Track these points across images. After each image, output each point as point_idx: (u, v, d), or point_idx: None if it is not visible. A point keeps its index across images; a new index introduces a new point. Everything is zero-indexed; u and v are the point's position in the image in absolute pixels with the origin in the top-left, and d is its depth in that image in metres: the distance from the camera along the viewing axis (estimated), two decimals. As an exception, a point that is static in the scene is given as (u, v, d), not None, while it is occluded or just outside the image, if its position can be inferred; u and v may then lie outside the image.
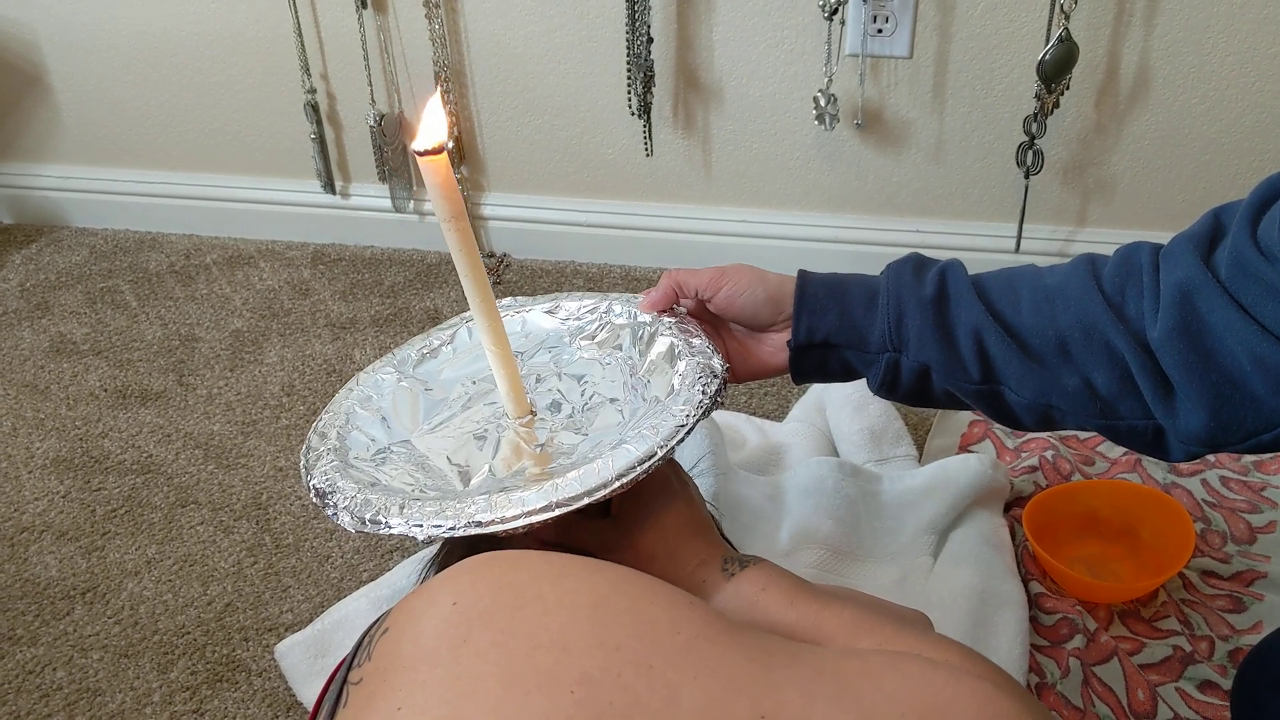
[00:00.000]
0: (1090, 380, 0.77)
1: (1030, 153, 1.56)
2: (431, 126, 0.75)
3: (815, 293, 0.85)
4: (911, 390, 0.84)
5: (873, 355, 0.84)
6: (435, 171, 0.75)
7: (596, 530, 0.79)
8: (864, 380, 0.87)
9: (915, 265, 0.84)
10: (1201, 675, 1.05)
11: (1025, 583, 1.14)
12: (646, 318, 0.90)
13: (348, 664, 0.62)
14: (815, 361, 0.87)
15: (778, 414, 1.46)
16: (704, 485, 1.22)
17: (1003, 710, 0.55)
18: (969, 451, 1.34)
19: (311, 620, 1.18)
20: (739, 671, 0.56)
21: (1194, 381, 0.71)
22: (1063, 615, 1.10)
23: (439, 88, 0.78)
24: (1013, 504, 1.26)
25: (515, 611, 0.57)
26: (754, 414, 1.47)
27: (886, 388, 0.85)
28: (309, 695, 1.09)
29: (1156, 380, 0.73)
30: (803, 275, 0.86)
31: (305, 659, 1.12)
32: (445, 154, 0.74)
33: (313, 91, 1.80)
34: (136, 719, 1.10)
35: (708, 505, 0.92)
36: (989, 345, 0.79)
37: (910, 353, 0.82)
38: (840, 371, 0.87)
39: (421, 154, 0.74)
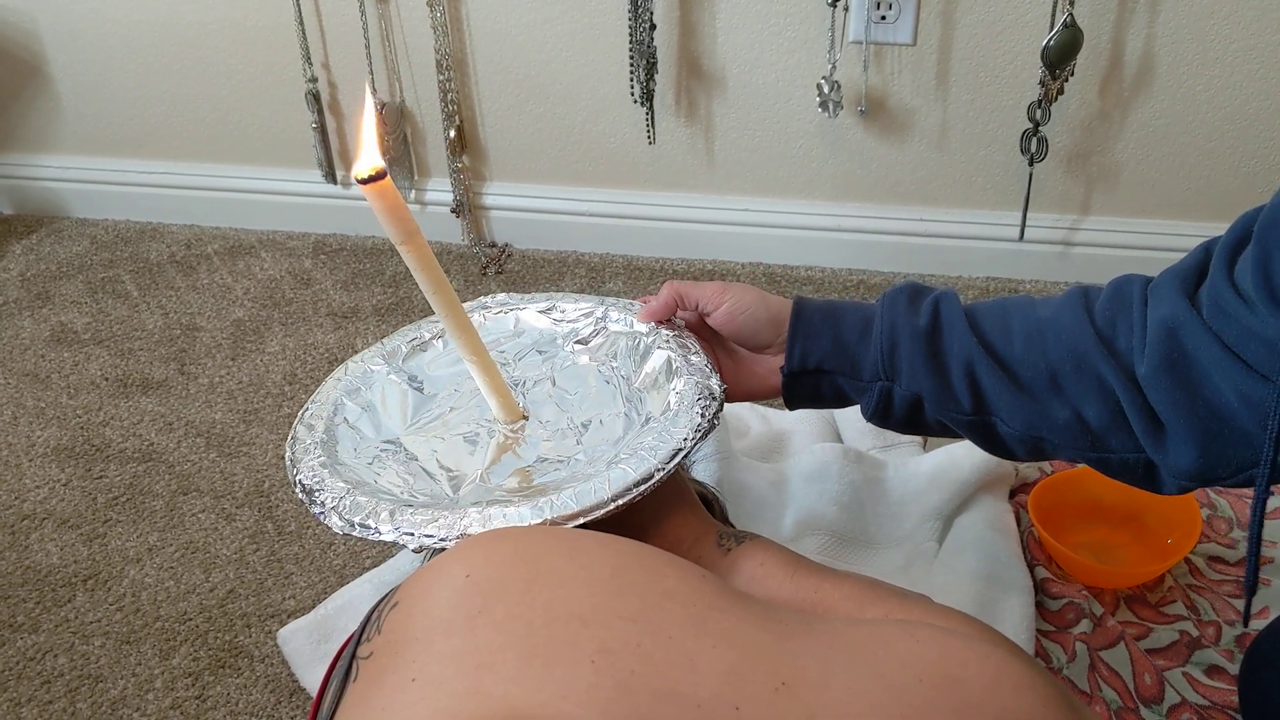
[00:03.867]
0: (1081, 413, 0.76)
1: (1034, 140, 1.56)
2: (368, 149, 0.72)
3: (810, 319, 0.85)
4: (904, 419, 0.85)
5: (866, 383, 0.84)
6: (381, 197, 0.72)
7: None
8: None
9: (910, 294, 0.84)
10: (1208, 660, 1.05)
11: (1031, 568, 1.14)
12: (644, 328, 0.89)
13: (356, 639, 0.62)
14: (808, 387, 0.86)
15: (781, 402, 1.45)
16: (708, 470, 1.22)
17: (1016, 676, 0.55)
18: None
19: (315, 606, 1.17)
20: (755, 641, 0.55)
21: (1182, 417, 0.71)
22: (1069, 600, 1.10)
23: (371, 98, 0.76)
24: (1018, 490, 1.25)
25: (530, 584, 0.57)
26: (757, 402, 1.46)
27: (879, 416, 0.85)
28: (312, 680, 1.09)
29: (1146, 415, 0.73)
30: (799, 301, 0.86)
31: (308, 644, 1.12)
32: (388, 178, 0.72)
33: (314, 80, 1.79)
34: (139, 705, 1.09)
35: (711, 489, 0.92)
36: (980, 377, 0.79)
37: (903, 382, 0.82)
38: (833, 398, 0.87)
39: (364, 182, 0.71)
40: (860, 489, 1.22)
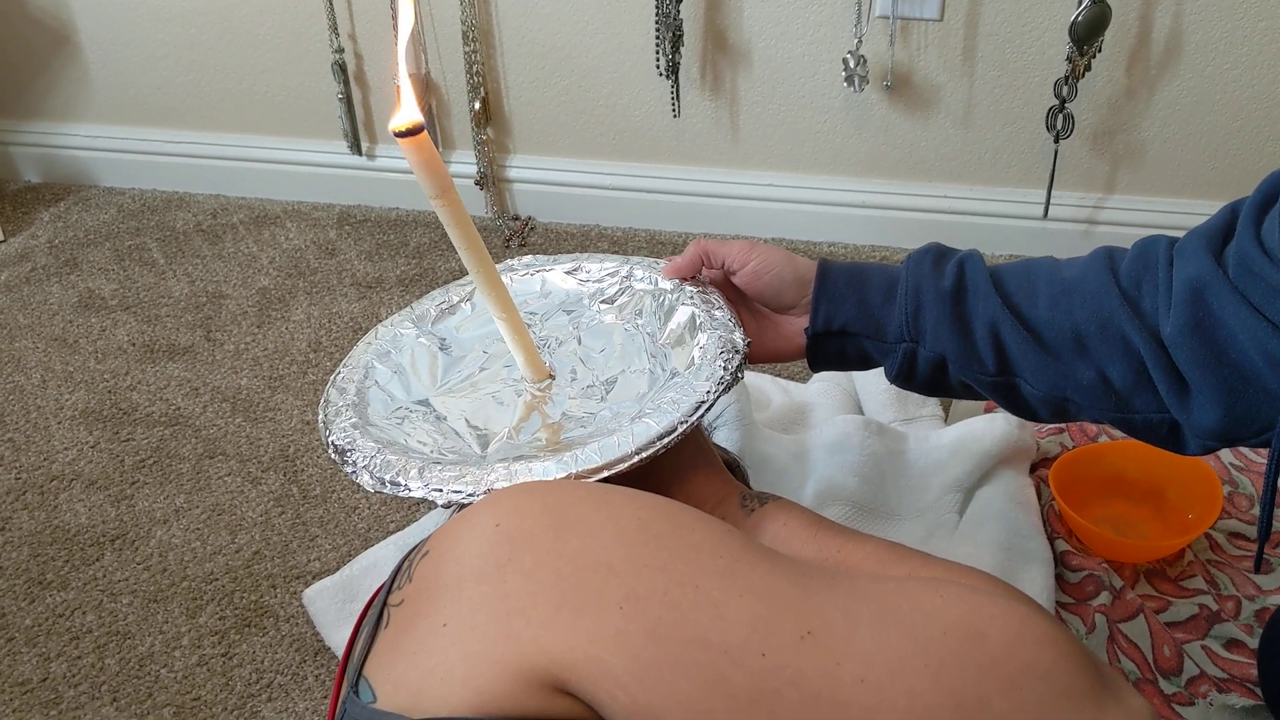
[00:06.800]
0: (1105, 374, 0.77)
1: (1060, 117, 1.55)
2: (406, 104, 0.73)
3: (835, 281, 0.85)
4: (928, 380, 0.85)
5: (890, 345, 0.84)
6: (418, 150, 0.73)
7: None
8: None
9: (935, 256, 0.85)
10: (1228, 634, 1.05)
11: (1051, 541, 1.14)
12: (668, 285, 0.90)
13: (387, 588, 0.63)
14: (833, 349, 0.87)
15: (802, 375, 1.46)
16: (730, 438, 1.23)
17: (1039, 631, 0.56)
18: (995, 412, 1.34)
19: (339, 568, 1.18)
20: (782, 592, 0.56)
21: (1207, 377, 0.71)
22: (1089, 573, 1.10)
23: (406, 56, 0.77)
24: (1038, 465, 1.26)
25: (560, 533, 0.58)
26: (778, 375, 1.47)
27: (903, 377, 0.86)
28: (337, 639, 1.10)
29: (1171, 375, 0.73)
30: (823, 263, 0.86)
31: (334, 604, 1.13)
32: (424, 132, 0.73)
33: (340, 51, 1.80)
34: (166, 662, 1.11)
35: (734, 456, 0.93)
36: (1005, 338, 0.80)
37: (927, 344, 0.83)
38: (857, 360, 0.88)
39: (401, 135, 0.72)
40: (881, 460, 1.23)
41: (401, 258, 1.79)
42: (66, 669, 1.11)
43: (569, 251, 1.79)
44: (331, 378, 0.87)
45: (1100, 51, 1.50)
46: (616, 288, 0.93)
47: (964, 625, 0.55)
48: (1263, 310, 0.67)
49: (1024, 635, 0.56)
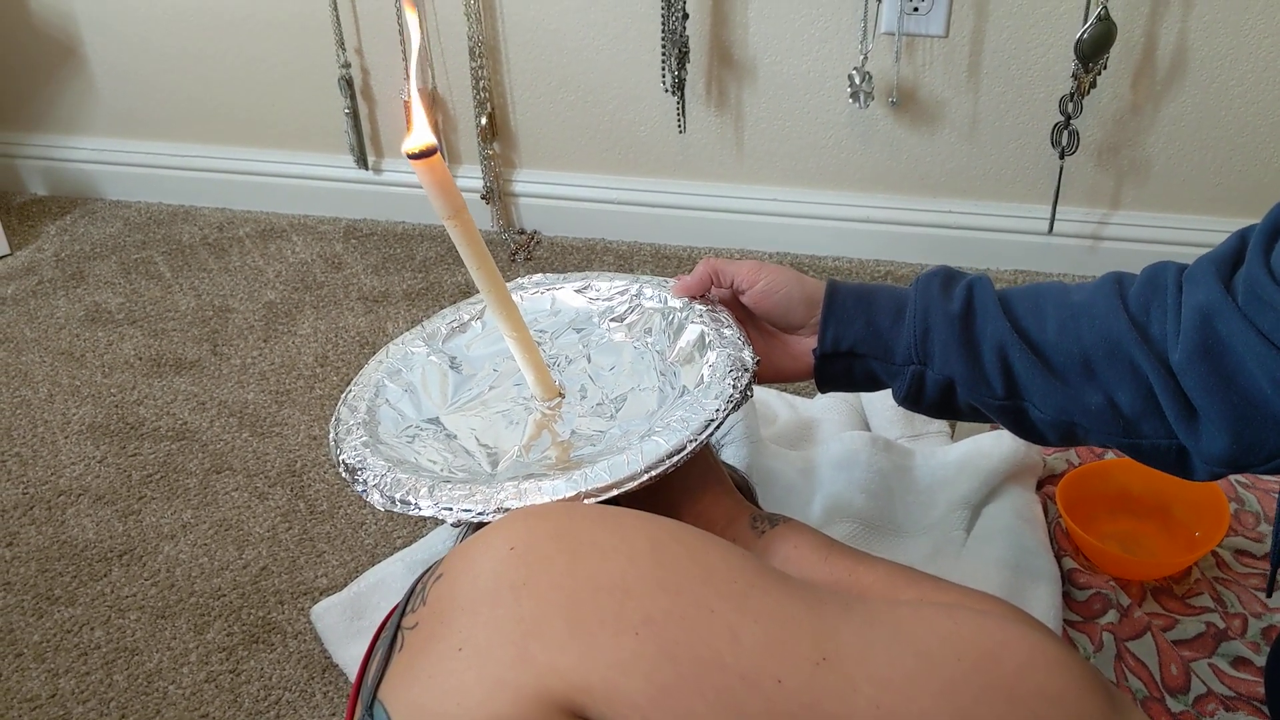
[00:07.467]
0: (1114, 399, 0.77)
1: (1066, 133, 1.56)
2: (419, 125, 0.74)
3: (843, 302, 0.85)
4: (935, 403, 0.85)
5: (898, 367, 0.84)
6: (430, 172, 0.74)
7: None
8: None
9: (943, 279, 0.85)
10: (1235, 652, 1.05)
11: (1058, 559, 1.14)
12: (677, 303, 0.90)
13: (400, 610, 0.63)
14: (840, 370, 0.87)
15: (809, 391, 1.47)
16: (737, 455, 1.23)
17: (1050, 655, 0.56)
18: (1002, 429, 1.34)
19: (347, 584, 1.19)
20: (797, 616, 0.56)
21: (1215, 404, 0.71)
22: (1096, 591, 1.10)
23: (415, 80, 0.78)
24: (1045, 481, 1.26)
25: (574, 556, 0.58)
26: (784, 390, 1.47)
27: (911, 399, 0.86)
28: (345, 657, 1.10)
29: (1179, 401, 0.73)
30: (832, 284, 0.86)
31: (342, 621, 1.13)
32: (438, 154, 0.74)
33: (347, 66, 1.81)
34: (174, 678, 1.11)
35: (742, 474, 0.93)
36: (1013, 361, 0.80)
37: (935, 366, 0.83)
38: (865, 381, 0.88)
39: (414, 157, 0.72)
40: (888, 477, 1.23)
41: (408, 271, 1.79)
42: (75, 685, 1.11)
43: (575, 265, 1.80)
44: (343, 395, 0.87)
45: (1106, 68, 1.51)
46: (626, 306, 0.94)
47: (977, 649, 0.56)
48: (1271, 338, 0.67)
49: (1035, 659, 0.56)
